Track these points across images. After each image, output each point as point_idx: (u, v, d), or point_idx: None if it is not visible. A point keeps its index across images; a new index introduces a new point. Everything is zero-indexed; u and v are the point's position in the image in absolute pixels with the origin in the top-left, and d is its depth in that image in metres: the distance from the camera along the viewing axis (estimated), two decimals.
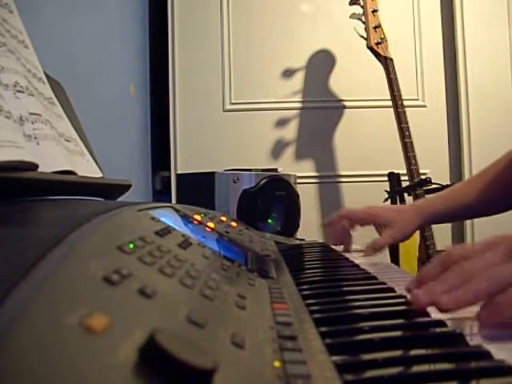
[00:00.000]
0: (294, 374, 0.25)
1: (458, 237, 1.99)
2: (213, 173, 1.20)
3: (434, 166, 1.93)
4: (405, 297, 0.48)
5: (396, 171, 1.68)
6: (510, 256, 0.43)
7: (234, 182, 1.16)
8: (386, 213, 0.88)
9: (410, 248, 1.55)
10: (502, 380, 0.29)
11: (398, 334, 0.37)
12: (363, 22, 1.72)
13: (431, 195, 1.01)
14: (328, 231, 0.93)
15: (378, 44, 1.69)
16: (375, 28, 1.70)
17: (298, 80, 2.04)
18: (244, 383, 0.23)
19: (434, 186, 1.57)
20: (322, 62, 2.04)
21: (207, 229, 0.64)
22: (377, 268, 0.70)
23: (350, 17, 1.75)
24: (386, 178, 1.69)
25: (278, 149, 2.03)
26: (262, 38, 2.04)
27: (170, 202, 1.82)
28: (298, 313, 0.39)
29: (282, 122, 2.03)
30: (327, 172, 2.03)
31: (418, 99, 2.03)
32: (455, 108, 2.03)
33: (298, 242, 1.05)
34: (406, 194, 1.64)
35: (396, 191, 1.65)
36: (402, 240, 0.89)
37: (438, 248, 1.52)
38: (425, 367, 0.31)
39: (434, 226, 1.56)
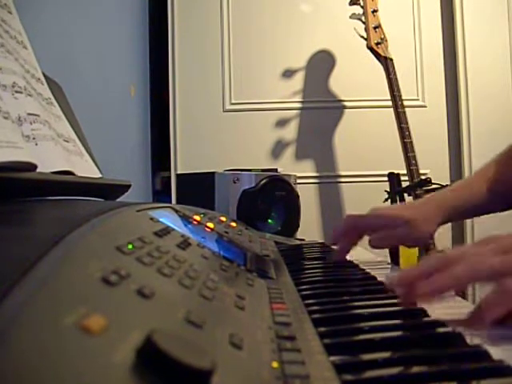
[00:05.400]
0: (292, 374, 0.25)
1: (458, 237, 1.99)
2: (213, 173, 1.20)
3: (434, 166, 1.93)
4: None
5: (396, 171, 1.68)
6: (497, 252, 0.41)
7: (234, 182, 1.16)
8: (400, 213, 0.76)
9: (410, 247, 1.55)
10: (502, 380, 0.29)
11: (396, 334, 0.37)
12: (363, 22, 1.72)
13: (444, 189, 0.83)
14: (337, 248, 0.76)
15: (378, 44, 1.68)
16: (375, 28, 1.70)
17: (298, 80, 2.04)
18: None
19: (433, 185, 1.57)
20: (322, 62, 2.04)
21: (206, 229, 0.64)
22: None
23: (350, 17, 1.75)
24: (386, 178, 1.69)
25: (278, 149, 2.03)
26: (262, 38, 2.04)
27: (170, 202, 1.82)
28: (297, 313, 0.39)
29: (281, 122, 2.03)
30: (327, 172, 2.03)
31: (418, 99, 2.03)
32: (455, 108, 2.03)
33: (297, 242, 1.05)
34: (405, 194, 1.64)
35: (396, 191, 1.65)
36: (421, 241, 0.79)
37: (439, 248, 1.52)
38: (424, 367, 0.31)
39: None
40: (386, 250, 1.49)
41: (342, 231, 0.75)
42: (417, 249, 1.54)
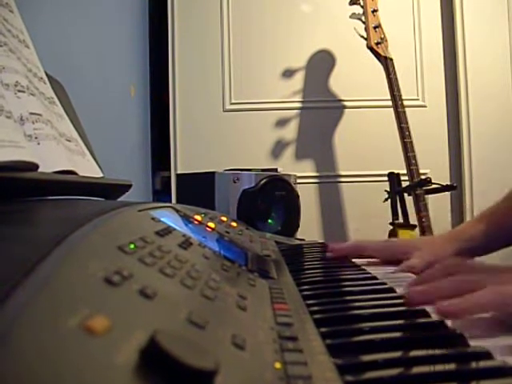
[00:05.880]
0: (294, 374, 0.25)
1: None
2: (213, 173, 1.20)
3: (434, 165, 1.93)
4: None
5: (396, 171, 1.68)
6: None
7: (234, 182, 1.16)
8: (404, 242, 0.75)
9: None
10: (502, 381, 0.29)
11: (398, 334, 0.37)
12: (363, 22, 1.72)
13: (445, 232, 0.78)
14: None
15: (378, 44, 1.68)
16: (375, 28, 1.70)
17: (298, 80, 2.04)
18: None
19: (433, 185, 1.57)
20: (322, 62, 2.04)
21: (207, 229, 0.64)
22: None
23: (350, 17, 1.75)
24: (386, 178, 1.69)
25: (277, 149, 2.03)
26: (262, 37, 2.04)
27: (170, 202, 1.81)
28: (299, 313, 0.39)
29: (281, 122, 2.03)
30: (327, 172, 2.03)
31: (418, 99, 2.03)
32: (455, 108, 2.03)
33: (298, 242, 1.05)
34: (406, 194, 1.64)
35: (396, 191, 1.65)
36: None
37: None
38: (425, 368, 0.31)
39: (433, 226, 1.56)
40: None
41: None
42: None
